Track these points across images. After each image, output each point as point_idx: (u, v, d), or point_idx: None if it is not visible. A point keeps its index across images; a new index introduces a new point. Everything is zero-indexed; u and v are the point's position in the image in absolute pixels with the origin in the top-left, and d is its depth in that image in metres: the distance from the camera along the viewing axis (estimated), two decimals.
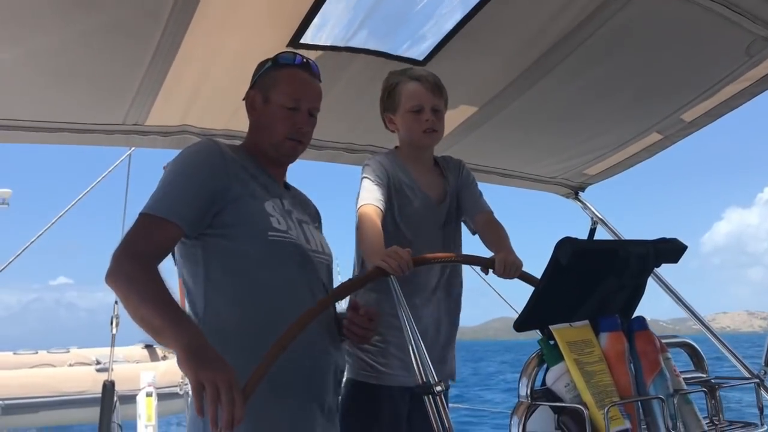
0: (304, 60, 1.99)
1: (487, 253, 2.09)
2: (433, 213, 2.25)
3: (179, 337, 1.52)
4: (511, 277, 1.97)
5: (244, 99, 2.01)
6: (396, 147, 2.34)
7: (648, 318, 1.51)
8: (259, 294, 1.77)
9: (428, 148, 2.32)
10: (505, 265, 1.96)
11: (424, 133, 2.21)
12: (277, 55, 1.99)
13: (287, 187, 2.06)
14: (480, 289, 2.34)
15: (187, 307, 1.83)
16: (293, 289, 1.77)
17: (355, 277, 1.82)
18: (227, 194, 1.78)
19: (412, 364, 1.59)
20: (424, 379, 1.55)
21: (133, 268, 1.65)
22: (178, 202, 1.74)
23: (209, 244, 1.79)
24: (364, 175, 2.18)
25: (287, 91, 1.92)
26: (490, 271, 2.01)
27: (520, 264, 1.97)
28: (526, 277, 1.95)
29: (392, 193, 2.17)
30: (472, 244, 2.34)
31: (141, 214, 1.73)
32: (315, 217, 2.11)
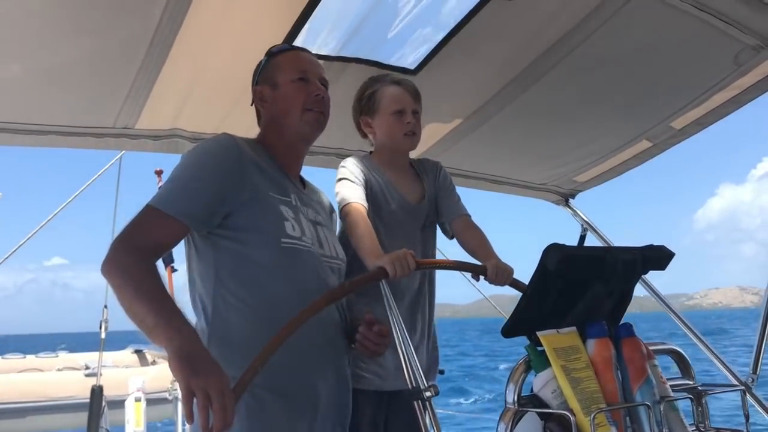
0: (297, 46, 2.03)
1: (463, 256, 2.13)
2: (411, 215, 2.25)
3: (172, 338, 1.49)
4: (503, 284, 1.97)
5: (252, 104, 2.00)
6: (369, 152, 2.34)
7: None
8: (269, 305, 1.74)
9: (406, 152, 2.32)
10: (497, 271, 1.97)
11: (405, 135, 2.22)
12: (269, 49, 2.00)
13: (303, 182, 2.04)
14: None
15: (191, 304, 1.81)
16: (304, 301, 1.70)
17: (355, 278, 1.80)
18: (240, 195, 1.75)
19: (403, 368, 1.59)
20: (414, 384, 1.54)
21: (129, 262, 1.61)
22: (187, 199, 1.71)
23: (221, 246, 1.76)
24: (341, 176, 2.17)
25: (292, 68, 1.93)
26: (481, 277, 2.01)
27: (511, 271, 1.98)
28: (517, 284, 1.95)
29: (369, 195, 2.16)
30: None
31: (147, 206, 1.69)
32: (329, 215, 2.10)
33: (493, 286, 2.00)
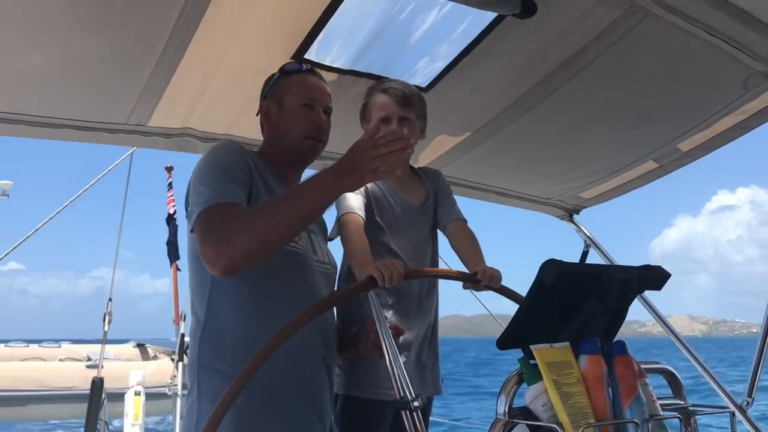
0: (309, 67, 2.08)
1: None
2: (416, 219, 2.27)
3: (324, 186, 1.68)
4: (494, 287, 1.98)
5: (257, 114, 2.06)
6: None
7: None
8: (261, 304, 1.79)
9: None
10: (486, 276, 1.98)
11: None
12: (283, 65, 2.06)
13: None
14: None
15: (189, 302, 1.86)
16: (296, 301, 1.75)
17: (343, 288, 1.82)
18: (251, 191, 1.81)
19: (391, 378, 1.60)
20: (402, 394, 1.56)
21: (236, 228, 1.65)
22: (230, 187, 1.76)
23: None
24: None
25: (300, 93, 2.00)
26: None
27: (499, 275, 1.98)
28: (505, 291, 1.96)
29: (372, 202, 2.19)
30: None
31: (205, 210, 1.71)
32: (321, 227, 2.14)
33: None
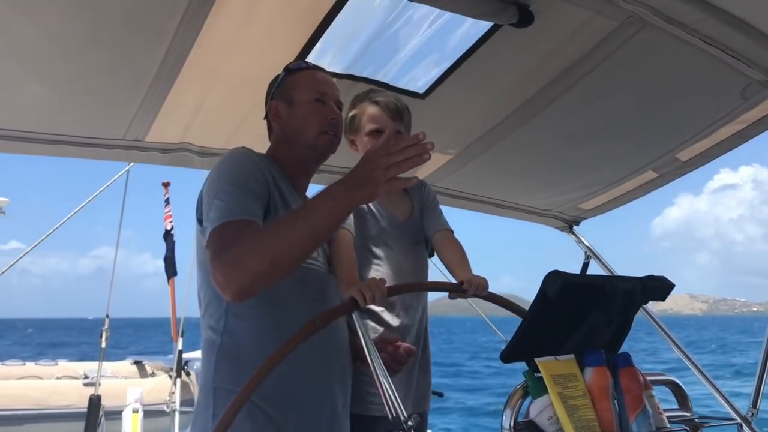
0: (313, 64, 2.04)
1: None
2: (402, 231, 2.25)
3: (336, 201, 1.61)
4: (482, 296, 1.96)
5: (265, 117, 2.01)
6: None
7: None
8: (280, 326, 1.73)
9: None
10: (473, 285, 1.95)
11: None
12: (287, 65, 2.01)
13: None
14: (432, 268, 2.35)
15: (201, 315, 1.82)
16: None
17: (326, 312, 1.76)
18: (268, 204, 1.75)
19: (382, 399, 1.57)
20: (394, 414, 1.53)
21: (248, 251, 1.55)
22: (246, 202, 1.68)
23: None
24: None
25: (310, 88, 1.93)
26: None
27: (486, 283, 1.96)
28: (493, 297, 1.94)
29: (356, 215, 2.16)
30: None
31: (219, 226, 1.63)
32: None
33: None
